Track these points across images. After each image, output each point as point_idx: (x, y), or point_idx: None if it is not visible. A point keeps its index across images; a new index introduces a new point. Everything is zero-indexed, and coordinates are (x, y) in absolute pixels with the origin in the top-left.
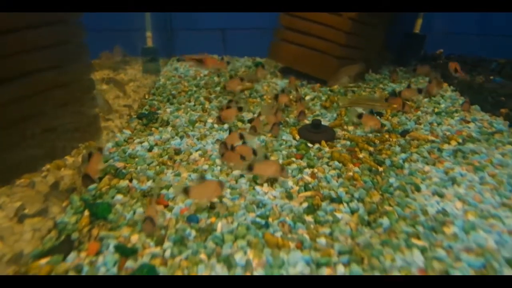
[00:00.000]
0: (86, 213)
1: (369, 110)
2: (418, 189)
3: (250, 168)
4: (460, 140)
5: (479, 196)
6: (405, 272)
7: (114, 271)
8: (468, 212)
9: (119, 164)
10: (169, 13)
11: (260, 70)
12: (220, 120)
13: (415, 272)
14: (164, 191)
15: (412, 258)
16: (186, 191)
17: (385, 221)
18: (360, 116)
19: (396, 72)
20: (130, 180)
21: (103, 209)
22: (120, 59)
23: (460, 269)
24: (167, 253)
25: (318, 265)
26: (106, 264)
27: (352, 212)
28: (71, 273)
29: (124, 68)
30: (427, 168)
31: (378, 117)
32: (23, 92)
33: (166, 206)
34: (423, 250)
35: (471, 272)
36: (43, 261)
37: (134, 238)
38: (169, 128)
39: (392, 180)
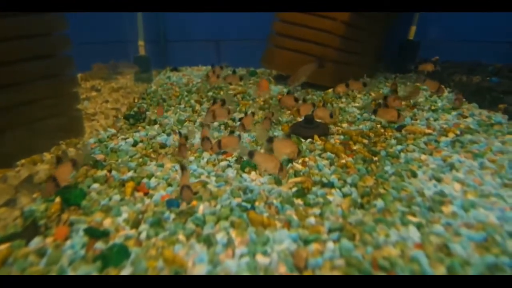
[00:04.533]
0: (58, 200)
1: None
2: (414, 175)
3: (251, 155)
4: (458, 132)
5: (479, 179)
6: (400, 247)
7: (81, 253)
8: (468, 193)
9: (99, 157)
10: (163, 25)
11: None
12: (213, 117)
13: (411, 246)
14: (145, 180)
15: (407, 234)
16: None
17: (379, 202)
18: (375, 111)
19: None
20: (110, 171)
21: (76, 196)
22: (112, 72)
23: (460, 243)
24: (143, 235)
25: (306, 242)
26: (74, 246)
27: (344, 195)
28: (32, 257)
29: (116, 78)
30: (424, 157)
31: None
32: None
33: (146, 193)
34: (419, 226)
35: (471, 245)
36: (3, 246)
37: (107, 222)
38: (156, 126)
39: (387, 167)
